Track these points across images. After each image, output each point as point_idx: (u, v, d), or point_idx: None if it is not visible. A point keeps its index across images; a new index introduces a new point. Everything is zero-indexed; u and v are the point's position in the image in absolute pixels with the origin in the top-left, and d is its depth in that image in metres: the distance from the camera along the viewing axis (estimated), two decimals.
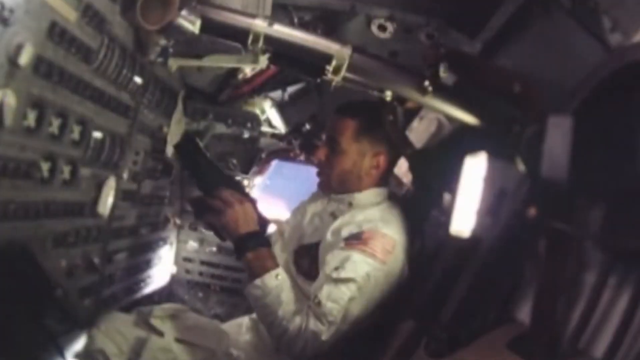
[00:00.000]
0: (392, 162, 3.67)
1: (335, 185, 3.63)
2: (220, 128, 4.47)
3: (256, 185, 5.27)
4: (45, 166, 2.56)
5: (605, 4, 2.28)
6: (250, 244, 3.28)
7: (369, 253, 3.17)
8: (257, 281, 3.18)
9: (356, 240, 3.24)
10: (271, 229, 4.16)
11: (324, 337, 3.04)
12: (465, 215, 2.83)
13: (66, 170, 2.75)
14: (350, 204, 3.56)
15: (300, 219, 3.85)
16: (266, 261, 3.26)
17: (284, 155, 5.26)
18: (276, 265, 3.27)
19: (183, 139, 3.93)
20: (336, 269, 3.13)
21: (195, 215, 4.10)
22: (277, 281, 3.19)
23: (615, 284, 1.98)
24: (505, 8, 2.84)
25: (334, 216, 3.54)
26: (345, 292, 3.09)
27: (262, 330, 3.67)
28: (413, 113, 3.49)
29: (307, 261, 3.47)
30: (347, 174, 3.56)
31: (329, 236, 3.40)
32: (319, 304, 3.07)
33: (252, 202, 3.50)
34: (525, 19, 2.77)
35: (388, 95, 3.09)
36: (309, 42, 3.00)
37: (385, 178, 3.70)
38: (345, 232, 3.33)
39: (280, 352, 3.44)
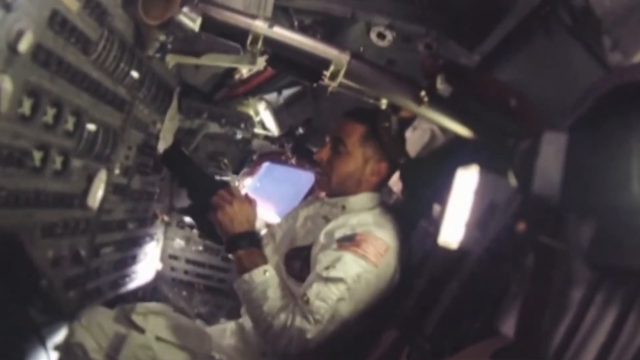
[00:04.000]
0: (392, 172, 3.69)
1: (334, 186, 3.63)
2: (214, 127, 4.49)
3: (246, 187, 5.28)
4: (37, 155, 2.56)
5: (607, 22, 2.28)
6: (242, 243, 3.32)
7: (361, 254, 3.18)
8: (245, 276, 3.22)
9: (349, 241, 3.25)
10: (262, 231, 4.18)
11: (309, 335, 3.03)
12: (454, 226, 2.83)
13: (58, 161, 2.76)
14: (343, 208, 3.57)
15: (293, 222, 3.86)
16: (256, 258, 3.30)
17: (276, 158, 5.28)
18: (265, 262, 3.29)
19: (169, 149, 3.94)
20: (327, 268, 3.14)
21: (192, 217, 4.09)
22: (265, 277, 3.21)
23: (602, 301, 1.98)
24: (506, 22, 2.84)
25: (327, 219, 3.55)
26: (334, 291, 3.09)
27: (247, 335, 3.67)
28: (407, 122, 3.51)
29: (299, 263, 3.47)
30: (347, 177, 3.57)
31: (321, 238, 3.40)
32: (307, 301, 3.07)
33: (253, 203, 3.51)
34: (526, 34, 2.78)
35: (383, 103, 3.10)
36: (308, 46, 3.00)
37: (381, 186, 3.72)
38: (338, 234, 3.33)
39: (266, 354, 3.44)
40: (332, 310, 3.08)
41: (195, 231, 5.07)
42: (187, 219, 5.02)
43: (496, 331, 2.51)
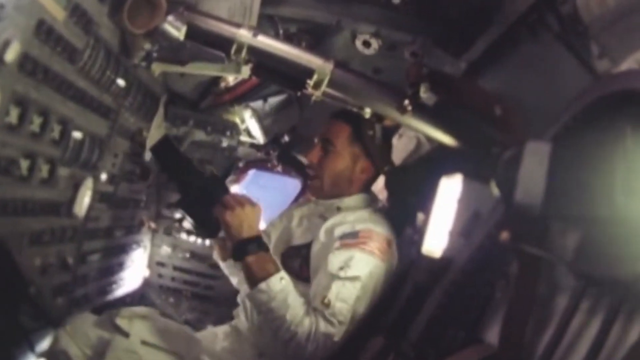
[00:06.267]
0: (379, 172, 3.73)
1: (327, 187, 3.68)
2: (200, 135, 4.47)
3: None
4: (24, 164, 2.56)
5: (595, 29, 2.28)
6: (251, 248, 3.21)
7: (369, 251, 3.24)
8: (262, 285, 3.09)
9: (353, 239, 3.29)
10: None
11: (336, 338, 3.05)
12: (438, 235, 2.84)
13: (45, 169, 2.76)
14: (338, 209, 3.61)
15: (287, 222, 3.89)
16: (268, 264, 3.19)
17: (262, 165, 5.29)
18: (279, 269, 3.20)
19: (160, 142, 3.92)
20: (341, 268, 3.16)
21: (182, 203, 3.98)
22: (282, 284, 3.12)
23: (586, 309, 1.99)
24: (492, 29, 2.84)
25: (324, 218, 3.58)
26: (352, 291, 3.13)
27: (242, 337, 3.64)
28: (392, 130, 3.53)
29: (298, 262, 3.47)
30: (339, 176, 3.64)
31: (321, 236, 3.44)
32: (328, 304, 3.08)
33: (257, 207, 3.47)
34: (513, 41, 2.78)
35: (367, 112, 3.11)
36: (292, 55, 3.02)
37: (370, 185, 3.78)
38: (338, 232, 3.37)
39: (263, 354, 3.44)
40: (352, 309, 3.13)
41: (182, 237, 5.07)
42: (177, 215, 5.02)
43: (480, 339, 2.52)
